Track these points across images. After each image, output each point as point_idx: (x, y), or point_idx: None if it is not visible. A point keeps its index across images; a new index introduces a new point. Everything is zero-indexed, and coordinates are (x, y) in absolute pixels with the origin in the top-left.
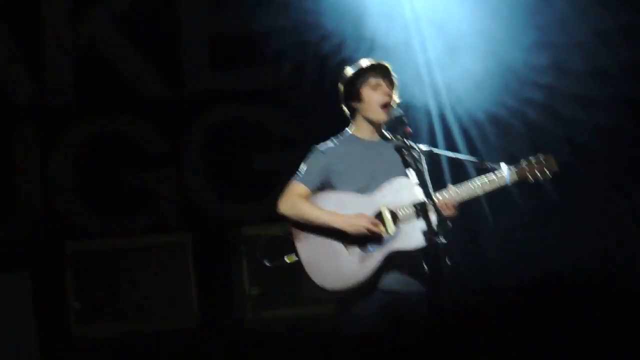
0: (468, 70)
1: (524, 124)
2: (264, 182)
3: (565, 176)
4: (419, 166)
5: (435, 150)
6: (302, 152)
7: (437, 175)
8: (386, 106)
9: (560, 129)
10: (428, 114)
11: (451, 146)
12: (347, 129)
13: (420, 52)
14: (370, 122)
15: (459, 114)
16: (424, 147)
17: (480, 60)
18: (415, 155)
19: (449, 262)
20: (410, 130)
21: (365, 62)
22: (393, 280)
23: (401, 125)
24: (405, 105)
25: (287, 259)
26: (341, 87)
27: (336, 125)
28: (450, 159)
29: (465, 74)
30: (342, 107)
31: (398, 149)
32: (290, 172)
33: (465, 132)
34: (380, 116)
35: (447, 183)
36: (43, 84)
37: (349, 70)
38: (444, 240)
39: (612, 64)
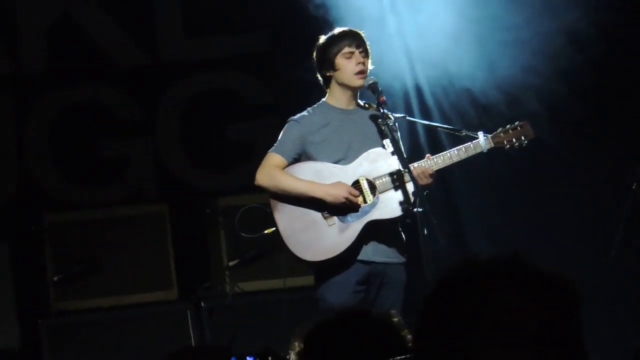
0: (443, 43)
1: (502, 97)
2: (241, 151)
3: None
4: (395, 135)
5: (410, 118)
6: (279, 121)
7: (416, 145)
8: (360, 73)
9: (538, 100)
10: (405, 85)
11: (429, 117)
12: (323, 99)
13: (396, 24)
14: (346, 88)
15: (438, 86)
16: (399, 116)
17: (457, 34)
18: (390, 124)
19: (426, 232)
20: (385, 99)
21: (338, 30)
22: (371, 250)
23: (375, 94)
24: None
25: (265, 230)
26: (315, 55)
27: (313, 93)
28: (430, 129)
29: (441, 47)
30: (317, 77)
31: (373, 118)
32: (267, 141)
33: (444, 105)
34: (356, 82)
35: (426, 153)
36: (17, 53)
37: (323, 39)
38: (420, 209)
39: (586, 32)
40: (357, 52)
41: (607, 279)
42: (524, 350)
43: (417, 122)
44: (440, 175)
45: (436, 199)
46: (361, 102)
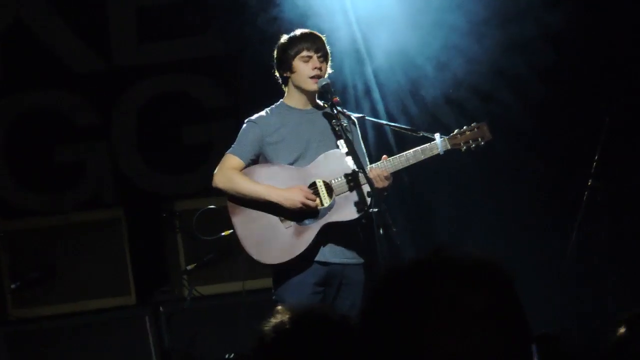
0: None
1: (462, 97)
2: (197, 154)
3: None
4: (349, 135)
5: (370, 118)
6: (234, 123)
7: (386, 145)
8: (315, 78)
9: (498, 99)
10: (366, 86)
11: (390, 117)
12: (281, 99)
13: (355, 23)
14: (302, 91)
15: (398, 87)
16: (358, 116)
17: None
18: (344, 124)
19: (381, 232)
20: (338, 99)
21: (300, 32)
22: (329, 251)
23: (328, 94)
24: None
25: (223, 233)
26: (275, 54)
27: (270, 95)
28: (394, 131)
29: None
30: (275, 76)
31: (328, 118)
32: (223, 144)
33: (403, 106)
34: (310, 86)
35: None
36: None
37: (284, 39)
38: (376, 209)
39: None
40: (315, 56)
41: (566, 273)
42: (472, 329)
43: (375, 122)
44: (396, 174)
45: (392, 197)
46: (320, 102)
